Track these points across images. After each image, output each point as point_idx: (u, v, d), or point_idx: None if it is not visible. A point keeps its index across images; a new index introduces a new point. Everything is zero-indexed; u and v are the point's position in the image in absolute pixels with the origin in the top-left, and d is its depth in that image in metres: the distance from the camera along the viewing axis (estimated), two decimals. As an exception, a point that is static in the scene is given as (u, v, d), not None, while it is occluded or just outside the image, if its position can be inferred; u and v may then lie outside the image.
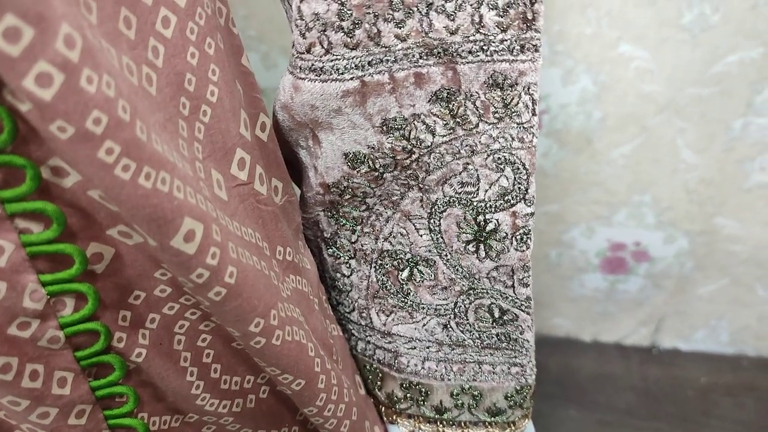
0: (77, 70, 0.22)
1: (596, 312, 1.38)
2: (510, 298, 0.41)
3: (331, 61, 0.34)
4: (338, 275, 0.45)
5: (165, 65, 0.29)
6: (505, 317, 0.41)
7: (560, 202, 1.20)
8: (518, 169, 0.37)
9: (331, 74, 0.34)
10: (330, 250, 0.45)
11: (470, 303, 0.42)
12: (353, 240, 0.43)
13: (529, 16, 0.33)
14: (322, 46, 0.34)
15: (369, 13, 0.33)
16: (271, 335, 0.32)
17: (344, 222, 0.42)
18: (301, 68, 0.35)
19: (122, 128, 0.24)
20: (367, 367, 0.47)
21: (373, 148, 0.38)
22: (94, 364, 0.30)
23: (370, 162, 0.38)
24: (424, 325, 0.43)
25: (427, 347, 0.44)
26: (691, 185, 1.16)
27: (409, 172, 0.38)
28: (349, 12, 0.33)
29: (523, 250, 0.39)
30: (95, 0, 0.25)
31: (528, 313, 0.41)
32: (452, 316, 0.42)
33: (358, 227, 0.42)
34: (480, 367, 0.43)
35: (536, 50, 0.34)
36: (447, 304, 0.42)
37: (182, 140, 0.30)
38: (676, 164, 1.14)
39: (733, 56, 1.00)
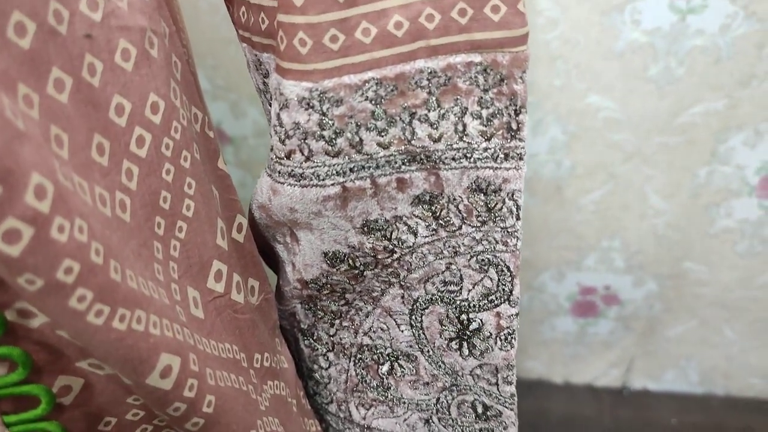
0: (48, 221, 0.21)
1: (567, 354, 1.39)
2: (494, 395, 0.40)
3: (312, 168, 0.33)
4: (316, 366, 0.44)
5: (139, 187, 0.28)
6: (488, 413, 0.40)
7: (531, 248, 1.20)
8: (502, 271, 0.36)
9: (312, 180, 0.34)
10: (307, 341, 0.43)
11: (453, 399, 0.41)
12: (331, 333, 0.42)
13: (514, 126, 0.32)
14: (303, 154, 0.33)
15: (351, 122, 0.32)
16: (250, 457, 0.31)
17: (322, 315, 0.41)
18: (279, 173, 0.34)
19: (95, 273, 0.23)
20: (346, 459, 0.45)
21: (353, 247, 0.37)
22: (61, 501, 0.29)
23: (351, 261, 0.37)
24: (406, 419, 0.42)
25: (409, 442, 0.43)
26: (659, 230, 1.17)
27: (390, 270, 0.38)
28: (330, 122, 0.32)
29: (508, 350, 0.38)
30: (67, 131, 0.24)
31: (512, 410, 0.40)
32: (434, 411, 0.41)
33: (337, 321, 0.41)
34: (462, 462, 0.42)
35: (520, 158, 0.33)
36: (429, 400, 0.41)
37: (157, 264, 0.28)
38: (645, 210, 1.15)
39: (698, 107, 1.02)
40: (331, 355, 0.43)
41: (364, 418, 0.43)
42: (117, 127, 0.27)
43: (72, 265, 0.22)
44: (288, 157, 0.33)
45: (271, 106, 0.37)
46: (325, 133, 0.32)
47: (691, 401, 1.35)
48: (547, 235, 1.18)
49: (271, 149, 0.34)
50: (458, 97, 0.32)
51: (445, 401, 0.41)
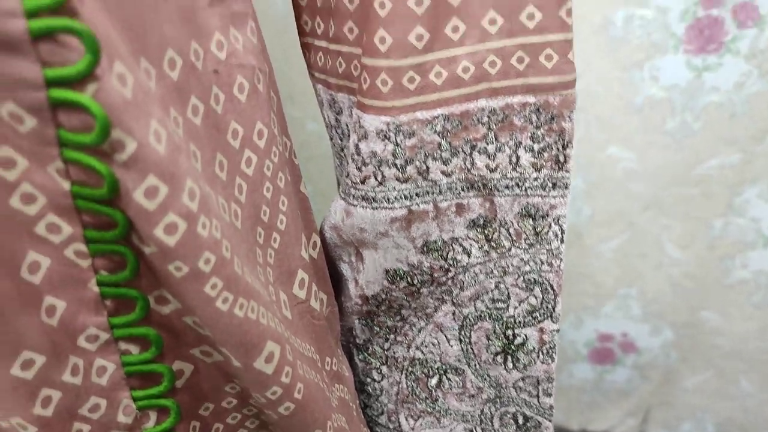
0: (196, 218, 0.26)
1: (584, 402, 1.39)
2: (534, 406, 0.43)
3: (383, 192, 0.38)
4: (368, 380, 0.48)
5: (247, 200, 0.33)
6: (528, 423, 0.44)
7: (551, 294, 1.22)
8: (546, 290, 0.40)
9: (382, 203, 0.38)
10: (361, 355, 0.47)
11: (496, 410, 0.44)
12: (386, 347, 0.46)
13: (561, 158, 0.37)
14: (376, 179, 0.38)
15: (420, 152, 0.37)
16: (326, 445, 0.35)
17: (378, 330, 0.46)
18: (354, 196, 0.39)
19: (225, 265, 0.27)
20: (394, 469, 0.49)
21: (413, 266, 0.41)
22: (165, 474, 0.33)
23: (409, 278, 0.42)
24: (451, 430, 0.46)
25: (454, 451, 0.46)
26: (675, 279, 1.19)
27: (444, 288, 0.42)
28: (402, 151, 0.37)
29: (549, 363, 0.42)
30: (200, 149, 0.29)
31: (550, 420, 0.44)
32: (479, 422, 0.45)
33: (392, 335, 0.45)
34: (504, 471, 0.46)
35: (566, 187, 0.38)
36: (474, 411, 0.45)
37: (260, 267, 0.33)
38: (661, 259, 1.17)
39: (714, 160, 1.06)
40: (384, 369, 0.47)
41: (413, 429, 0.47)
42: (232, 148, 0.32)
43: (210, 256, 0.27)
44: (363, 182, 0.38)
45: (341, 140, 0.42)
46: (397, 161, 0.37)
47: (708, 452, 1.35)
48: (567, 280, 1.21)
49: (347, 175, 0.39)
50: (513, 132, 0.37)
51: (488, 412, 0.45)
